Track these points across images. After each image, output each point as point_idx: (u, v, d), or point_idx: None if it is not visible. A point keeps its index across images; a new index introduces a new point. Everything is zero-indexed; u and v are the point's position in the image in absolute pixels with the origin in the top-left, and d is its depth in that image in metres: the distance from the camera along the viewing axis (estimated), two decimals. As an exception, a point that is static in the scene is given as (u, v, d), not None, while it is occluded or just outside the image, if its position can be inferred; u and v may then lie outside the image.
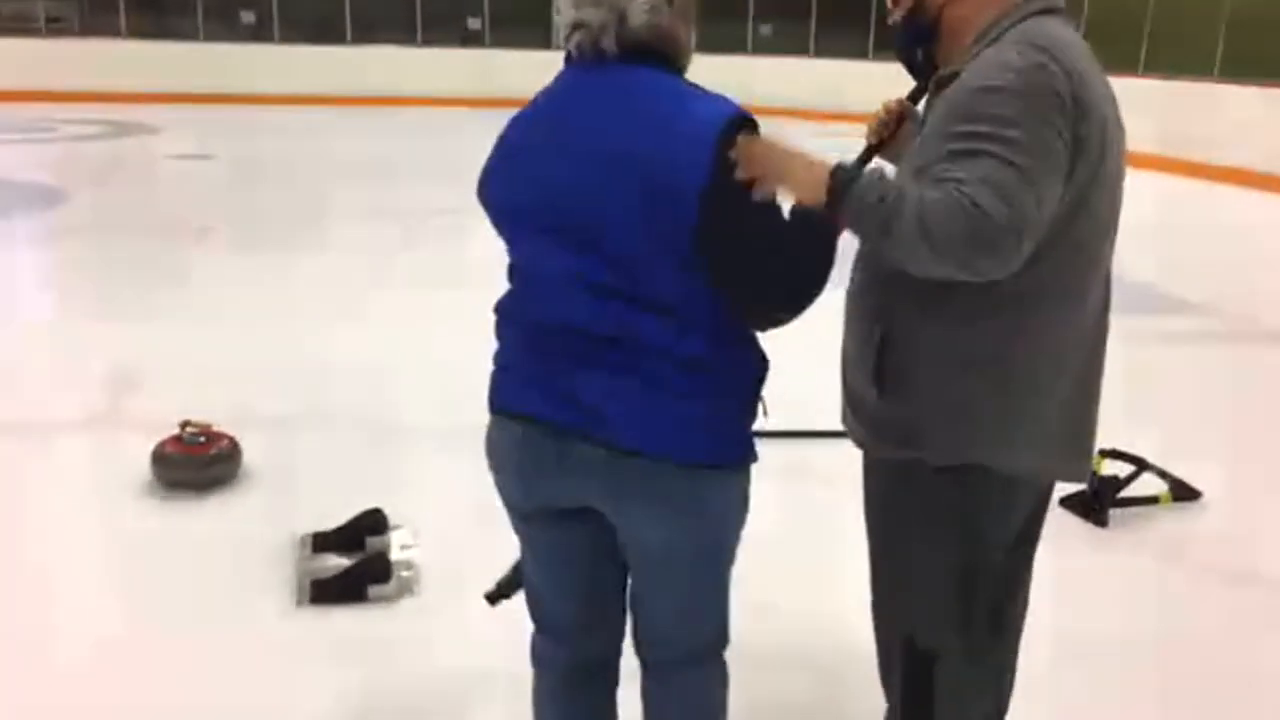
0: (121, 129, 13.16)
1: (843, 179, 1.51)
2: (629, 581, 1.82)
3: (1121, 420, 4.24)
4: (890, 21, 1.82)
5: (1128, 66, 13.21)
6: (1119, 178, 1.69)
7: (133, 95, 15.64)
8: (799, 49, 17.64)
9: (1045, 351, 1.67)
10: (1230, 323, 6.08)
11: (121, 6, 16.81)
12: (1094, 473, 3.47)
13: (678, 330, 1.58)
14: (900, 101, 1.92)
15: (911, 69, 1.83)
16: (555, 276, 1.62)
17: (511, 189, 1.66)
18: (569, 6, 1.61)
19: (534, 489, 1.72)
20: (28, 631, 2.73)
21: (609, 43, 1.58)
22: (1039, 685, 2.60)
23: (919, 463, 1.70)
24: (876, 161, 1.85)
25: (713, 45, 18.16)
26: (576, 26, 1.60)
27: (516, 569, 2.05)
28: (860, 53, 17.89)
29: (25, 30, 17.02)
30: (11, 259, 6.89)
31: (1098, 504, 3.43)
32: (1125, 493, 3.48)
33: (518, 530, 1.83)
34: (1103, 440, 3.57)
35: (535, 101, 1.70)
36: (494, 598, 2.12)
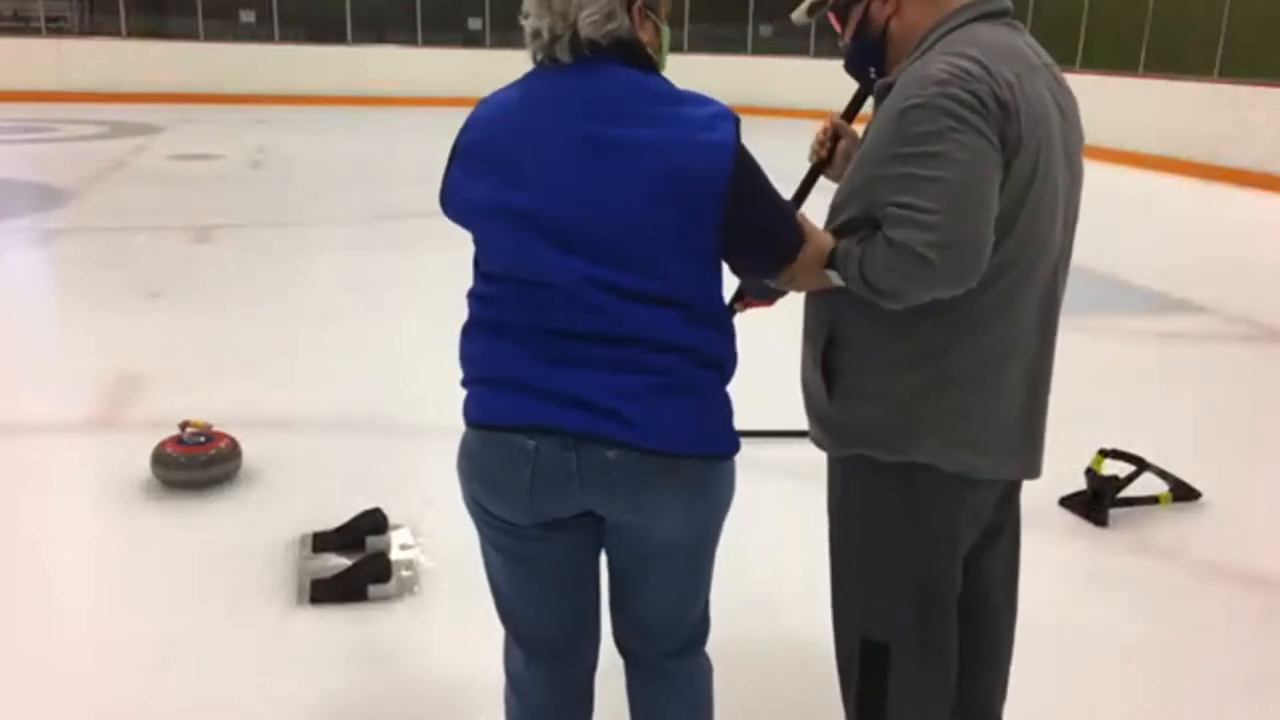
0: (121, 129, 13.15)
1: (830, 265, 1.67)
2: (607, 583, 1.83)
3: (1121, 420, 4.27)
4: (841, 44, 1.87)
5: (1128, 66, 13.22)
6: (1058, 197, 1.71)
7: (133, 95, 15.65)
8: (799, 49, 17.63)
9: (985, 354, 1.70)
10: (1230, 323, 6.08)
11: (122, 6, 16.80)
12: (1094, 473, 3.48)
13: (691, 325, 1.63)
14: (834, 121, 2.00)
15: (865, 83, 1.89)
16: (570, 281, 1.58)
17: (514, 194, 1.59)
18: (531, 14, 1.61)
19: (542, 503, 1.67)
20: (28, 632, 2.73)
21: (562, 52, 1.59)
22: (1039, 685, 2.60)
23: (868, 460, 1.75)
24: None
25: (713, 45, 18.19)
26: (534, 35, 1.61)
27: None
28: (860, 53, 17.88)
29: (25, 30, 17.03)
30: (11, 259, 6.88)
31: (1098, 504, 3.43)
32: (1125, 493, 3.48)
33: (500, 548, 1.76)
34: (1103, 440, 3.61)
35: (503, 105, 1.64)
36: None
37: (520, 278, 1.62)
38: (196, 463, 3.44)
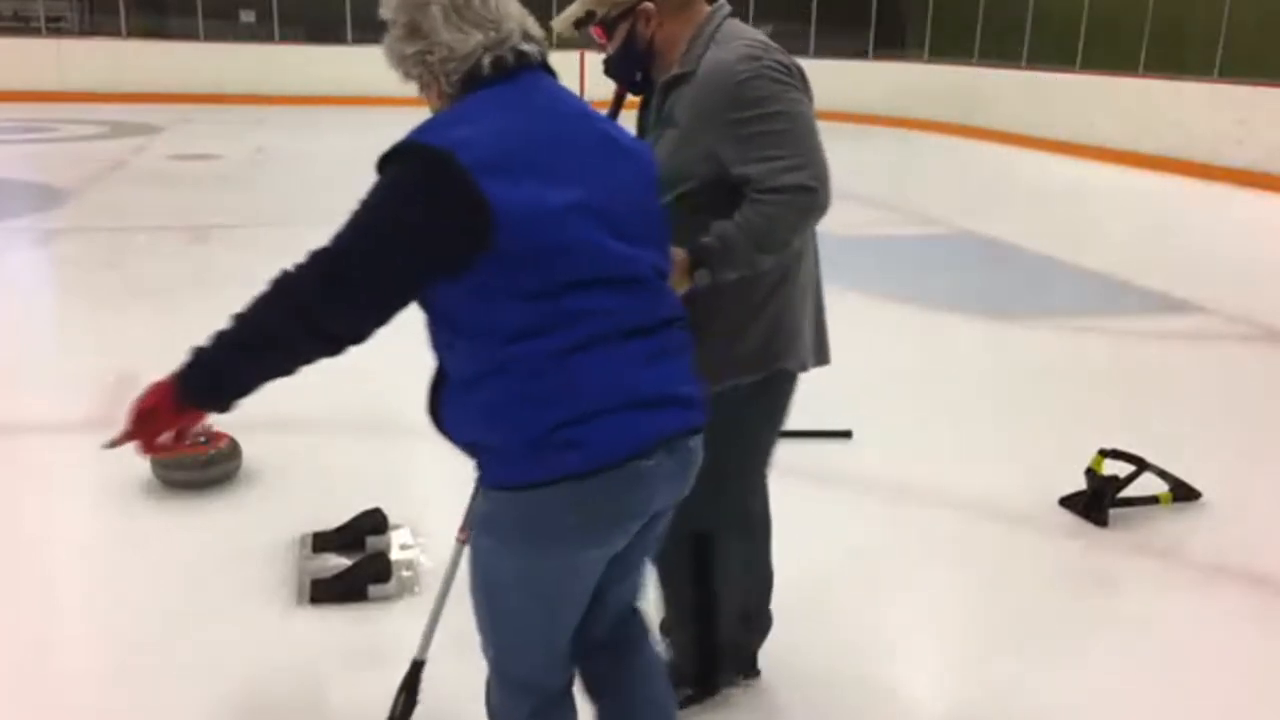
0: (121, 129, 13.15)
1: (695, 265, 1.94)
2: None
3: (1121, 420, 4.27)
4: (605, 56, 2.14)
5: (1128, 66, 13.21)
6: None
7: (133, 95, 15.64)
8: (799, 49, 17.62)
9: (801, 281, 2.16)
10: (1230, 323, 6.08)
11: (122, 6, 16.79)
12: (1094, 473, 3.48)
13: None
14: None
15: (633, 87, 2.19)
16: (645, 269, 1.60)
17: (576, 193, 1.53)
18: (482, 27, 1.58)
19: (639, 522, 1.62)
20: (28, 632, 2.73)
21: (533, 56, 1.63)
22: (1039, 684, 2.60)
23: (737, 386, 2.10)
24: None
25: (713, 45, 18.15)
26: (491, 46, 1.59)
27: (408, 690, 2.15)
28: (860, 53, 17.90)
29: (25, 30, 17.03)
30: (11, 259, 6.88)
31: (1098, 504, 3.43)
32: (1125, 493, 3.47)
33: (572, 579, 1.64)
34: (1103, 440, 3.62)
35: (497, 115, 1.56)
36: None
37: (608, 277, 1.54)
38: (196, 463, 3.44)
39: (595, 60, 2.22)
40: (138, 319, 5.40)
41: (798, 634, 2.70)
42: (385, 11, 1.64)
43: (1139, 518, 3.46)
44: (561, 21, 2.07)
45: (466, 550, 1.75)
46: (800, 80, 2.00)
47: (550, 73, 1.68)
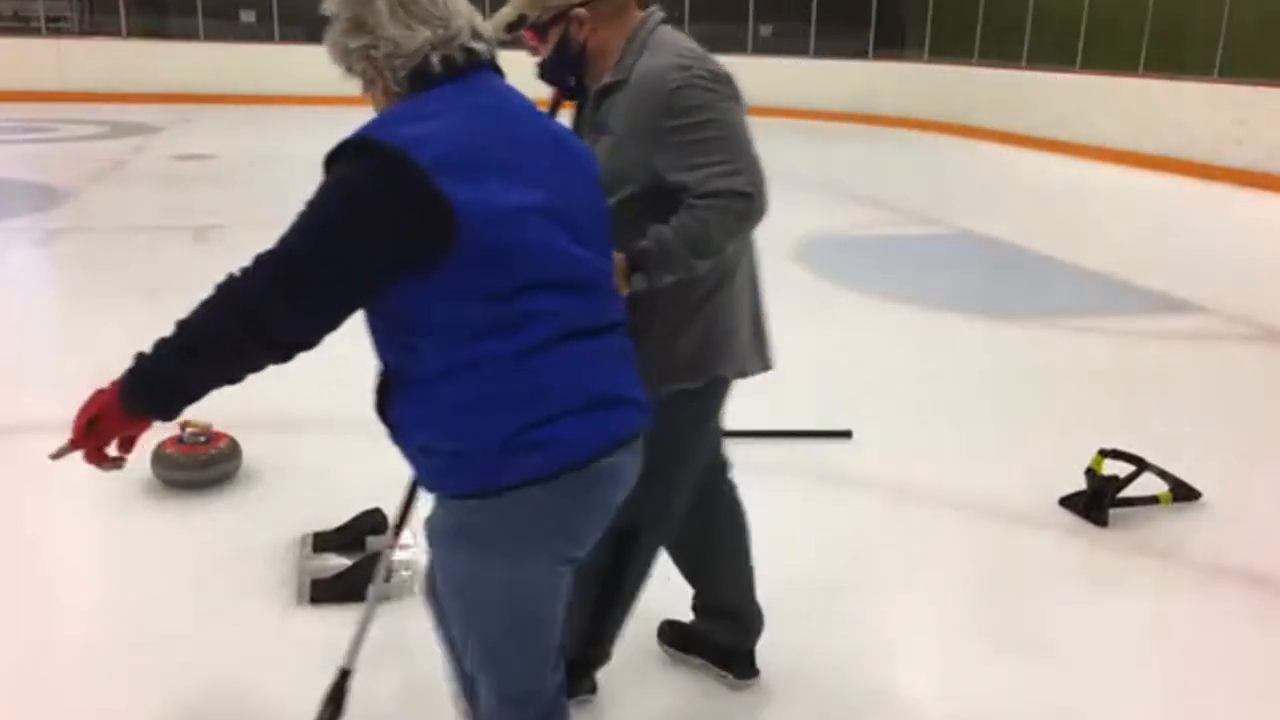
0: (121, 129, 13.15)
1: (635, 269, 1.95)
2: None
3: (1121, 420, 4.27)
4: (539, 61, 2.13)
5: (1128, 66, 13.21)
6: None
7: (133, 95, 15.65)
8: (799, 49, 17.63)
9: (737, 285, 2.17)
10: (1230, 323, 6.08)
11: (122, 6, 16.80)
12: (1094, 473, 3.48)
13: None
14: None
15: (567, 92, 2.19)
16: (594, 273, 1.61)
17: (533, 194, 1.52)
18: (429, 22, 1.55)
19: (607, 516, 1.65)
20: (28, 632, 2.73)
21: (481, 53, 1.60)
22: (1039, 684, 2.60)
23: (678, 390, 2.12)
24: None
25: (713, 45, 18.12)
26: (442, 43, 1.55)
27: (334, 700, 2.14)
28: (860, 53, 17.91)
29: (25, 30, 17.04)
30: (11, 259, 6.88)
31: (1098, 504, 3.43)
32: (1125, 493, 3.47)
33: (553, 582, 1.64)
34: (1103, 440, 3.62)
35: (453, 114, 1.53)
36: None
37: (565, 280, 1.54)
38: (196, 463, 3.44)
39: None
40: (138, 319, 5.38)
41: (797, 634, 2.70)
42: (329, 5, 1.60)
43: (1139, 518, 3.46)
44: (494, 24, 2.02)
45: (395, 558, 1.74)
46: (731, 88, 2.01)
47: (499, 72, 1.65)
